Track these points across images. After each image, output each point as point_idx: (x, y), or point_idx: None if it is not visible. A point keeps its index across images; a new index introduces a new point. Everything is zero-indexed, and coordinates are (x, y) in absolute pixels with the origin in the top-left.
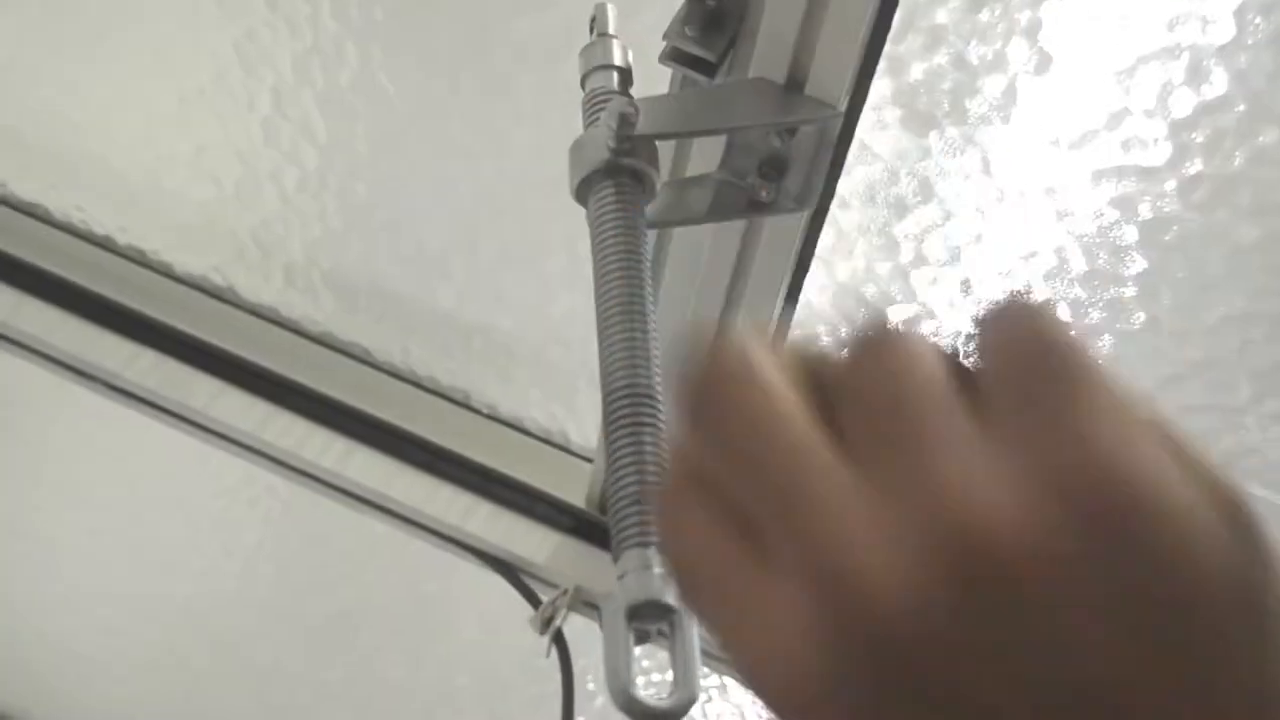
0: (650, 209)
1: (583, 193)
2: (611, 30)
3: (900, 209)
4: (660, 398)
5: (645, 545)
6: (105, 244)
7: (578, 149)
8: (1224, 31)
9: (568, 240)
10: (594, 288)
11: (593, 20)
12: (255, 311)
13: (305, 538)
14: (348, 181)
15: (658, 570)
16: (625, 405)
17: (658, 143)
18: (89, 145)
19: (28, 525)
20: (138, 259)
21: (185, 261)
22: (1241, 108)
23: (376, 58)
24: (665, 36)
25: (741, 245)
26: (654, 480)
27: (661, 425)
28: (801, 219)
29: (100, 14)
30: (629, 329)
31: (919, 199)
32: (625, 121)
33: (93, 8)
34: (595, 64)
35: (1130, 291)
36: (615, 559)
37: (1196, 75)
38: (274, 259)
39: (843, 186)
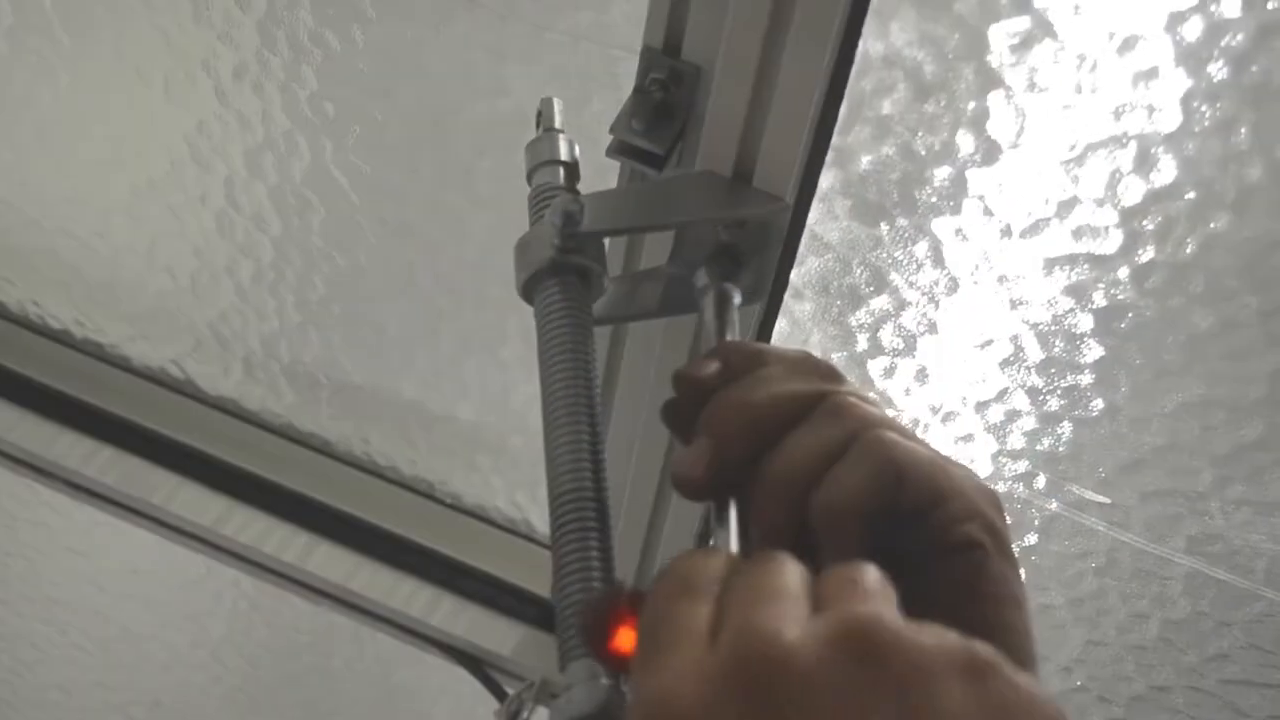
0: (599, 305)
1: (529, 291)
2: (558, 125)
3: (854, 299)
4: (606, 500)
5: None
6: (62, 338)
7: (522, 248)
8: (1170, 119)
9: (528, 329)
10: (541, 387)
11: (539, 115)
12: (214, 404)
13: (272, 629)
14: (304, 273)
15: (605, 681)
16: (571, 510)
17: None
18: (44, 240)
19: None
20: (95, 352)
21: (143, 354)
22: (1191, 194)
23: (328, 151)
24: (612, 130)
25: (694, 339)
26: (600, 588)
27: (607, 528)
28: (755, 311)
29: (52, 109)
30: (574, 432)
31: (871, 289)
32: (570, 219)
33: (45, 103)
34: (541, 159)
35: (1087, 379)
36: (561, 669)
37: (1145, 163)
38: (232, 351)
39: (796, 276)
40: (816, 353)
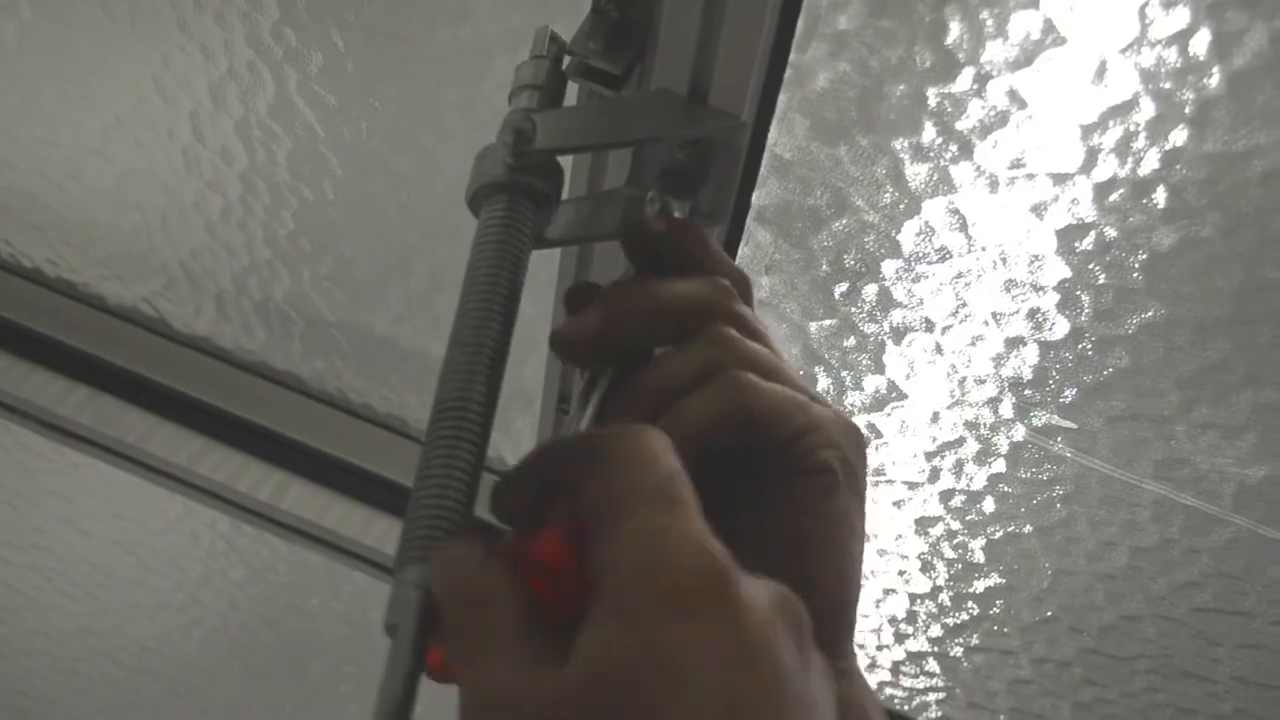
0: (558, 226)
1: (476, 204)
2: (545, 52)
3: (815, 221)
4: (489, 420)
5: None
6: (34, 277)
7: (480, 160)
8: (1128, 30)
9: None
10: (460, 296)
11: (535, 40)
12: (188, 343)
13: (249, 569)
14: (272, 208)
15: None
16: (450, 420)
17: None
18: (14, 179)
19: None
20: (67, 291)
21: (116, 293)
22: (1150, 108)
23: (293, 81)
24: (569, 50)
25: None
26: (456, 502)
27: (483, 445)
28: (715, 234)
29: (16, 48)
30: (476, 346)
31: (832, 211)
32: (521, 137)
33: (8, 43)
34: (523, 83)
35: (1050, 300)
36: (395, 572)
37: (1101, 75)
38: (204, 289)
39: (756, 198)
40: (774, 278)
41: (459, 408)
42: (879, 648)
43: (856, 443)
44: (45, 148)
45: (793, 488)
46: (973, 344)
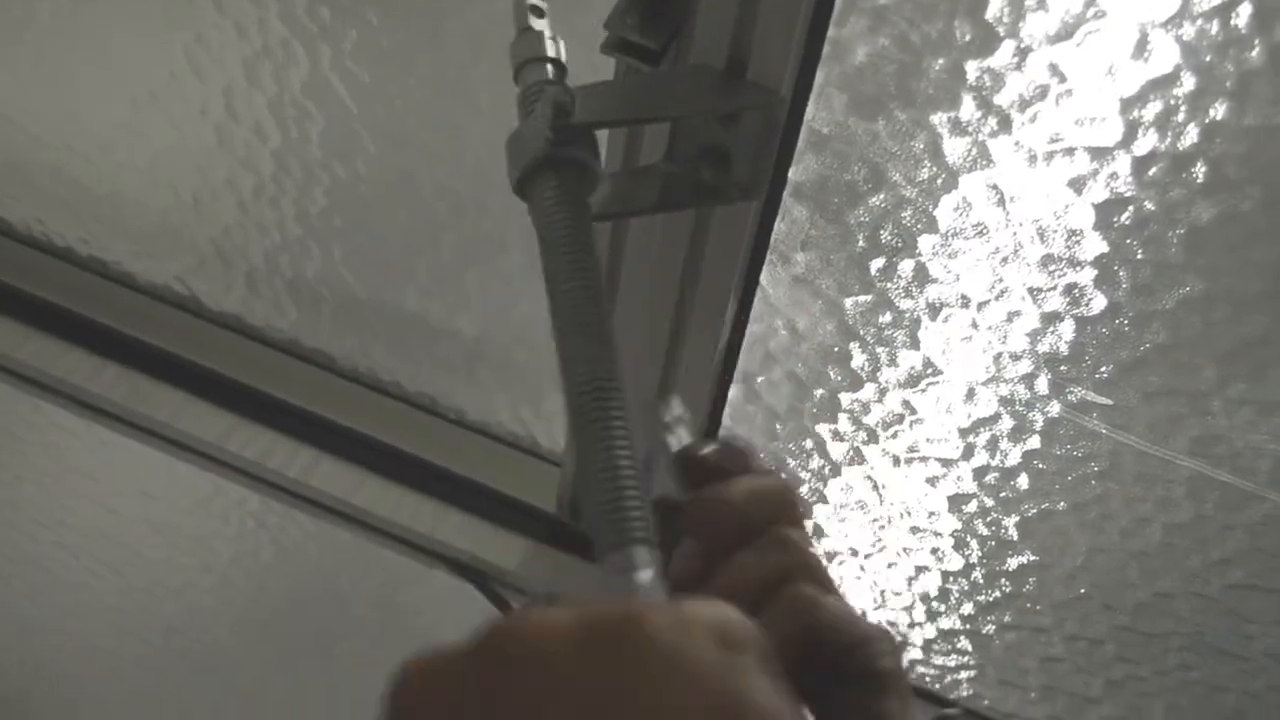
0: (595, 201)
1: (524, 187)
2: (533, 23)
3: (852, 196)
4: (623, 387)
5: (632, 544)
6: (66, 255)
7: (516, 142)
8: (1169, 3)
9: (529, 239)
10: (545, 283)
11: (515, 12)
12: (218, 321)
13: (279, 550)
14: (304, 186)
15: (644, 574)
16: (590, 400)
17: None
18: (46, 157)
19: (8, 547)
20: (99, 270)
21: (147, 271)
22: (1191, 81)
23: (326, 58)
24: (606, 25)
25: (692, 237)
26: (629, 472)
27: (628, 416)
28: (752, 209)
29: (50, 25)
30: (584, 323)
31: (869, 185)
32: (561, 110)
33: (43, 19)
34: (527, 57)
35: (1088, 276)
36: (599, 558)
37: (1143, 49)
38: (235, 267)
39: (793, 174)
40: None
41: (592, 385)
42: (911, 625)
43: (895, 646)
44: (77, 124)
45: (847, 693)
46: (1009, 320)
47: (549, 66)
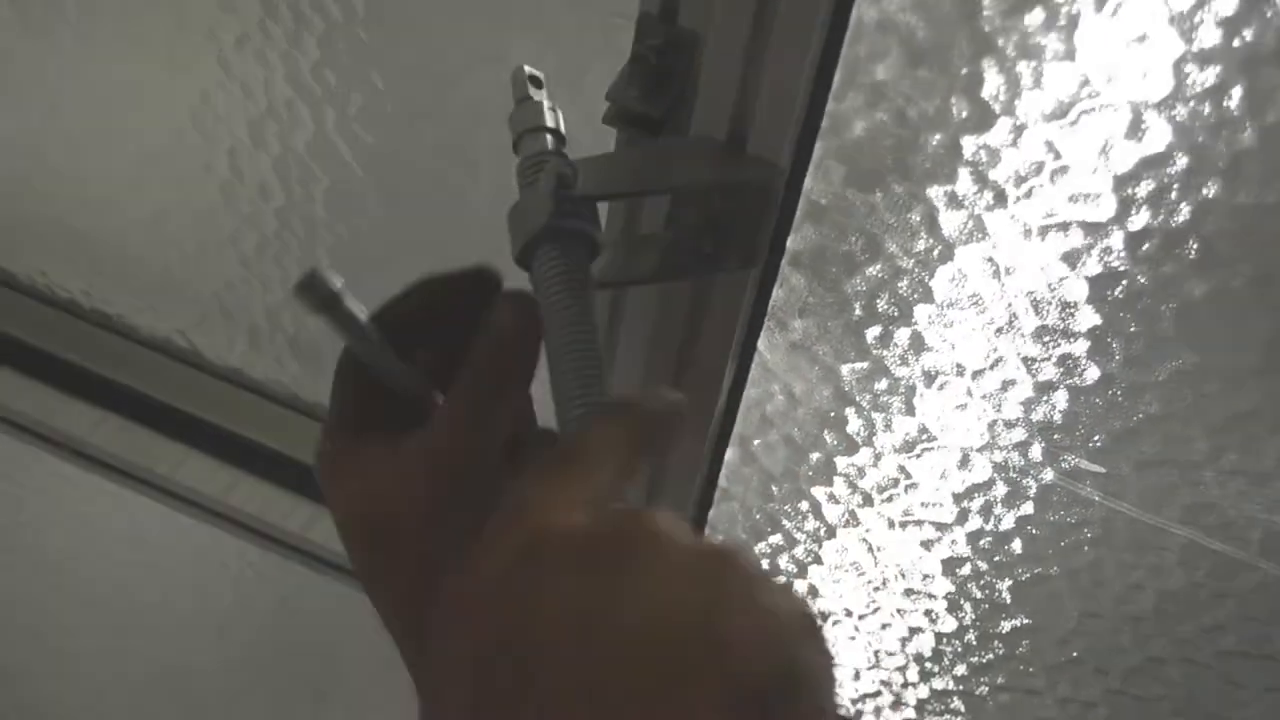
0: (595, 269)
1: (525, 258)
2: (532, 94)
3: (849, 266)
4: None
5: None
6: (69, 308)
7: (517, 213)
8: (1162, 85)
9: None
10: (547, 352)
11: (514, 84)
12: (220, 374)
13: (277, 600)
14: (307, 244)
15: None
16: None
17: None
18: (52, 210)
19: (8, 593)
20: (102, 323)
21: (150, 324)
22: (1183, 160)
23: (330, 120)
24: (609, 96)
25: (691, 306)
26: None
27: None
28: (751, 276)
29: (57, 81)
30: (585, 398)
31: (866, 256)
32: (564, 182)
33: (51, 75)
34: (526, 127)
35: (1081, 347)
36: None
37: (1137, 129)
38: (237, 322)
39: (791, 244)
40: (808, 321)
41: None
42: (905, 685)
43: None
44: (82, 179)
45: None
46: (1004, 388)
47: (548, 136)
